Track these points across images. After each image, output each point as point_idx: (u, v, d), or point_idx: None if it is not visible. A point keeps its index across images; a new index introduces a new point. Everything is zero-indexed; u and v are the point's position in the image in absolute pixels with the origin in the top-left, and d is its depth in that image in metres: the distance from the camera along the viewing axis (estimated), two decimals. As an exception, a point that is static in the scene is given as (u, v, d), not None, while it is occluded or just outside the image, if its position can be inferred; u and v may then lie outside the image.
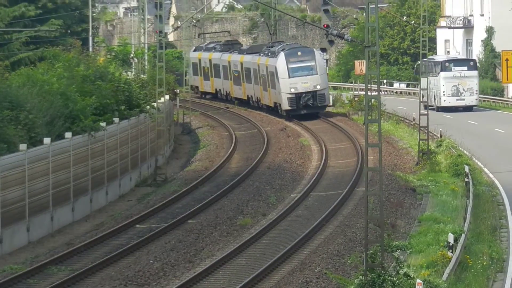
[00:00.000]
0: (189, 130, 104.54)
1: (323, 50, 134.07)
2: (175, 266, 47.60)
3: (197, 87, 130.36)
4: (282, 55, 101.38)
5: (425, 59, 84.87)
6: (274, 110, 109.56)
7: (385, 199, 44.45)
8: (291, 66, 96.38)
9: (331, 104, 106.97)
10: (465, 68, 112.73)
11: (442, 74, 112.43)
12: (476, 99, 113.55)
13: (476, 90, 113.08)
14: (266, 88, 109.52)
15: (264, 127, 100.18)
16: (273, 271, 46.21)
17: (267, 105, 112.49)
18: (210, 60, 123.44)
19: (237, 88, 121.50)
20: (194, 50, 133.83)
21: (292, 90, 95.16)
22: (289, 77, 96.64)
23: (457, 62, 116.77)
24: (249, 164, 76.80)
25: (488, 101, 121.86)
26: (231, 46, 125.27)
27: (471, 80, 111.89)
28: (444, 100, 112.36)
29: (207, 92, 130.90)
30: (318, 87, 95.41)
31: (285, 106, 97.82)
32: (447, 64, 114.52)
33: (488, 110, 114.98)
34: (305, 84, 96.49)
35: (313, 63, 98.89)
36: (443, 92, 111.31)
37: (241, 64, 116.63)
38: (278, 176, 71.97)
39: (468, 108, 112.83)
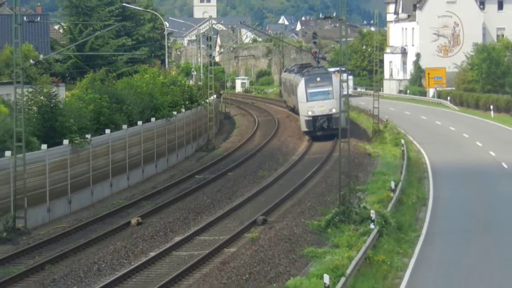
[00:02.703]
0: (228, 117, 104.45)
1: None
2: (220, 201, 47.75)
3: (285, 101, 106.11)
4: (302, 81, 77.56)
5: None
6: (291, 108, 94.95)
7: (351, 160, 44.69)
8: (309, 91, 74.56)
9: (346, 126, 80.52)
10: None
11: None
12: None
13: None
14: (290, 95, 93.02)
15: (276, 115, 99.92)
16: (281, 205, 46.37)
17: (290, 106, 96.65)
18: (285, 79, 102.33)
19: (285, 96, 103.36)
20: (284, 71, 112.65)
21: (309, 113, 73.33)
22: (307, 101, 74.31)
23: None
24: (266, 139, 76.99)
25: (416, 99, 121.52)
26: (303, 67, 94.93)
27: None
28: None
29: (287, 104, 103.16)
30: (334, 110, 71.88)
31: (303, 127, 75.48)
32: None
33: (417, 105, 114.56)
34: (321, 107, 73.42)
35: (330, 88, 74.59)
36: None
37: (287, 79, 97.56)
38: (284, 146, 72.33)
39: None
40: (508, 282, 31.60)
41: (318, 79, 75.79)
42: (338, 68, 70.62)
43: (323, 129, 73.36)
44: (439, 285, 31.59)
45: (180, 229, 40.79)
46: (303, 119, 74.90)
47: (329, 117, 73.35)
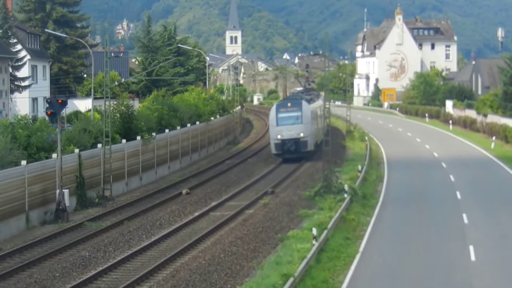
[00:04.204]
0: (248, 121, 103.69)
1: (302, 88, 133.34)
2: (243, 178, 47.48)
3: None
4: (274, 107, 58.52)
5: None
6: None
7: (332, 150, 44.55)
8: (280, 115, 56.58)
9: (313, 148, 57.81)
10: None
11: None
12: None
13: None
14: None
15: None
16: (283, 181, 46.18)
17: None
18: None
19: None
20: (291, 91, 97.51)
21: (279, 137, 55.75)
22: (277, 125, 56.18)
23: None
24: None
25: (375, 109, 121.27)
26: (306, 92, 75.38)
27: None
28: None
29: None
30: (302, 135, 55.77)
31: (273, 150, 56.43)
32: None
33: (376, 113, 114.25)
34: (290, 132, 55.71)
35: (299, 113, 56.58)
36: None
37: None
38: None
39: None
40: (434, 227, 31.61)
41: (289, 104, 56.94)
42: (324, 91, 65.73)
43: (291, 152, 55.28)
44: (390, 232, 31.46)
45: (215, 197, 40.63)
46: (272, 142, 55.84)
47: (297, 141, 55.25)
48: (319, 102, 63.70)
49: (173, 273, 24.80)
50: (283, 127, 55.20)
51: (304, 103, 56.67)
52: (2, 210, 30.64)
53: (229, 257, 26.60)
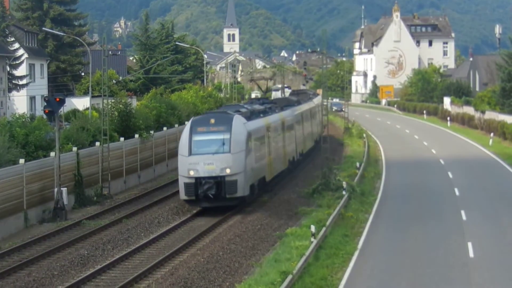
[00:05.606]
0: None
1: (304, 85, 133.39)
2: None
3: None
4: (188, 124, 34.74)
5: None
6: None
7: (330, 147, 44.49)
8: (196, 138, 33.55)
9: (247, 193, 34.06)
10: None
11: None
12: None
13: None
14: None
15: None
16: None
17: None
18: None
19: None
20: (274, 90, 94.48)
21: (191, 173, 32.92)
22: (190, 154, 33.17)
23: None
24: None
25: (373, 107, 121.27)
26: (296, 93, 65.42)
27: None
28: None
29: None
30: (228, 171, 32.79)
31: (181, 193, 33.81)
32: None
33: (374, 110, 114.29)
34: (209, 166, 32.85)
35: (227, 136, 33.37)
36: None
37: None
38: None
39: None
40: (432, 224, 31.66)
41: (212, 121, 34.11)
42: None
43: (210, 198, 33.27)
44: (389, 229, 31.44)
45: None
46: (181, 181, 33.63)
47: (219, 181, 33.10)
48: (299, 107, 50.37)
49: (172, 271, 24.78)
50: (199, 157, 33.32)
51: (236, 119, 34.42)
52: (0, 209, 30.60)
53: (228, 255, 26.58)
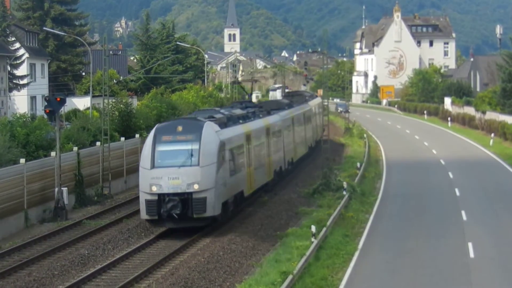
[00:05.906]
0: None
1: (304, 85, 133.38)
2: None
3: None
4: (152, 132, 29.28)
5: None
6: None
7: (331, 148, 44.48)
8: (160, 149, 28.15)
9: (217, 213, 28.89)
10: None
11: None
12: None
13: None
14: None
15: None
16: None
17: None
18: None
19: None
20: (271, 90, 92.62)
21: (154, 189, 27.60)
22: (152, 167, 27.85)
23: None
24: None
25: (374, 107, 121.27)
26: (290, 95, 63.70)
27: None
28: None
29: None
30: (196, 187, 27.45)
31: (142, 213, 28.57)
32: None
33: (374, 111, 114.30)
34: (174, 180, 27.42)
35: (195, 146, 28.00)
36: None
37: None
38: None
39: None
40: (433, 224, 31.80)
41: (180, 128, 29.16)
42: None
43: (174, 219, 28.46)
44: (389, 230, 31.46)
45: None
46: (142, 198, 28.85)
47: (186, 198, 28.27)
48: (290, 111, 46.87)
49: (172, 270, 24.77)
50: (163, 170, 28.42)
51: (207, 127, 29.69)
52: (1, 209, 30.59)
53: (228, 255, 26.56)
